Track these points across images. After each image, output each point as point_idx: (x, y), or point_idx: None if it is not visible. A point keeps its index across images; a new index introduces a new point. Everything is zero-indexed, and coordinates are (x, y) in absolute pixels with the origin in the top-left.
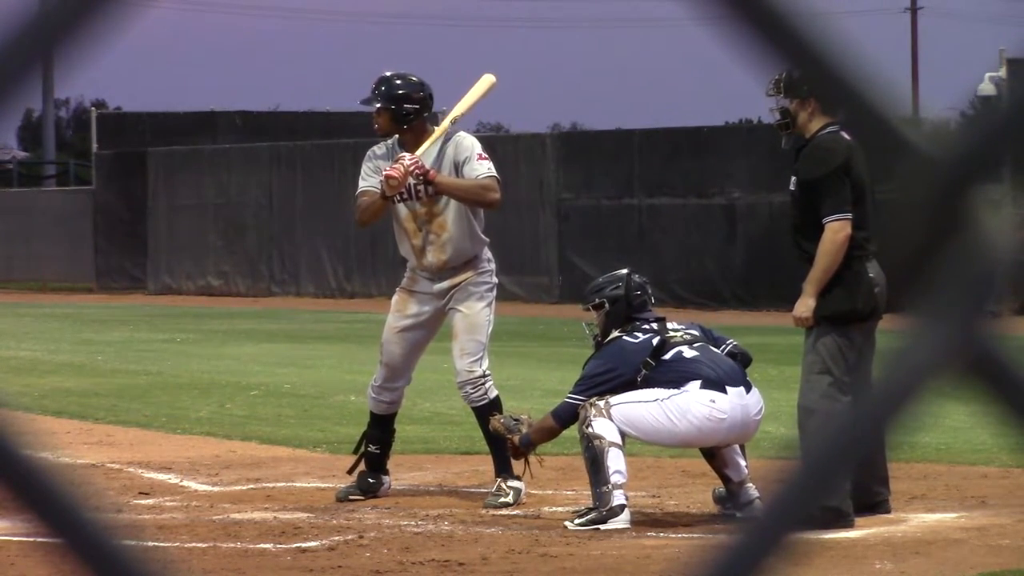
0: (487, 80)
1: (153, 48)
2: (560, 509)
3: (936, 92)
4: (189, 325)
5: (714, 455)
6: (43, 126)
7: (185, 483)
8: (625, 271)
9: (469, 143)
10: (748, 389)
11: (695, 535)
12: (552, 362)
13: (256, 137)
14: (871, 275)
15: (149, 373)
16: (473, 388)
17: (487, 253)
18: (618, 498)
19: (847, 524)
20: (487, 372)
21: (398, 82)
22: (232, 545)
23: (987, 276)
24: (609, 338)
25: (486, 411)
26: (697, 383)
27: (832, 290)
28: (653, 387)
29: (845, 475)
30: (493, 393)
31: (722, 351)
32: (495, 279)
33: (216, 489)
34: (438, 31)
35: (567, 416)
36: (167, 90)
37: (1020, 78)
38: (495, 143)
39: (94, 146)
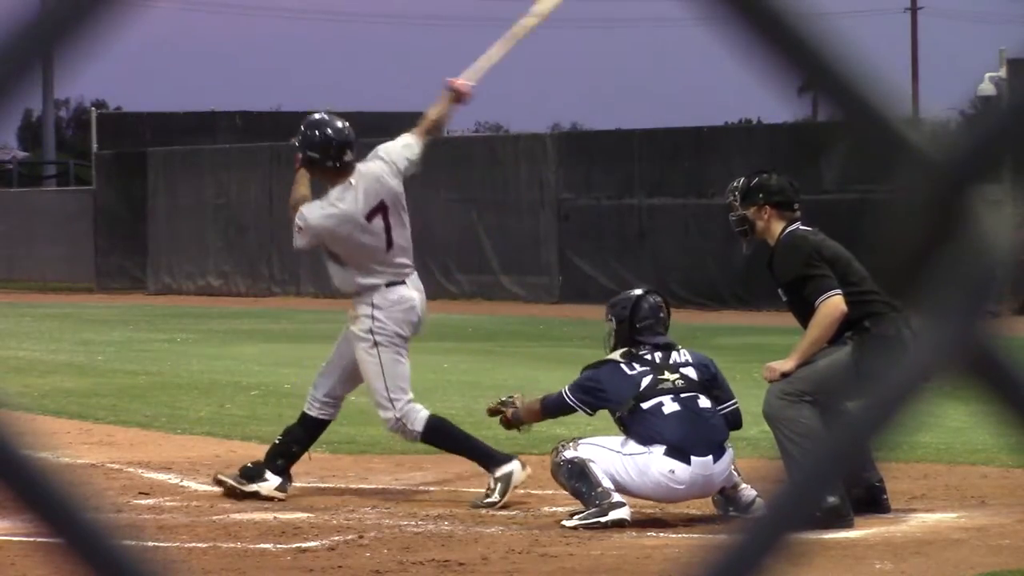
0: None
1: (153, 48)
2: (560, 509)
3: (936, 92)
4: (189, 325)
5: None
6: (43, 126)
7: (185, 483)
8: (639, 292)
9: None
10: (718, 458)
11: (695, 535)
12: (552, 362)
13: (256, 137)
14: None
15: (149, 373)
16: (399, 432)
17: (369, 298)
18: (615, 495)
19: (847, 524)
20: (401, 413)
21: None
22: (232, 545)
23: (987, 276)
24: (610, 356)
25: (431, 441)
26: (662, 449)
27: (875, 346)
28: (625, 435)
29: (844, 474)
30: (420, 425)
31: (717, 409)
32: (374, 330)
33: (216, 489)
34: (438, 31)
35: (554, 408)
36: (167, 90)
37: (1020, 78)
38: (495, 143)
39: (94, 146)
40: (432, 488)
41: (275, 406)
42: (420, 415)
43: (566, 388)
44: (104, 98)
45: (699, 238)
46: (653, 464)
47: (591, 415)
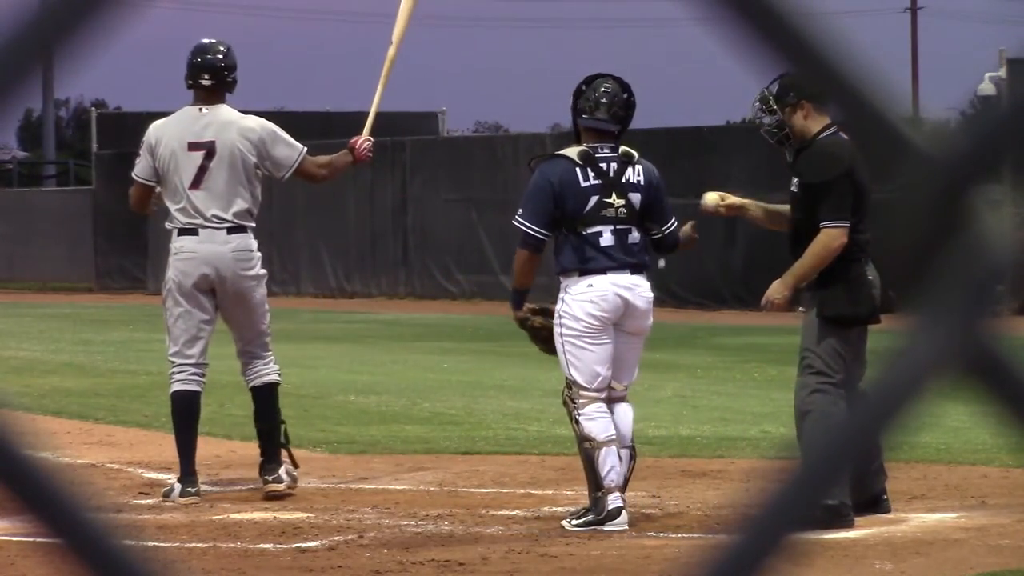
0: None
1: (153, 48)
2: (560, 509)
3: (936, 92)
4: None
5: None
6: (43, 126)
7: None
8: (600, 73)
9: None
10: (635, 273)
11: (695, 535)
12: (552, 362)
13: None
14: (870, 277)
15: (149, 373)
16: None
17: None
18: (613, 502)
19: (847, 524)
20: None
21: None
22: (232, 545)
23: (987, 276)
24: (568, 154)
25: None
26: (578, 273)
27: (836, 292)
28: (560, 254)
29: (844, 474)
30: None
31: (645, 238)
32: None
33: (216, 489)
34: (438, 31)
35: (534, 245)
36: (167, 90)
37: (1020, 78)
38: (495, 143)
39: (94, 146)
40: (432, 488)
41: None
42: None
43: (519, 214)
44: (104, 98)
45: (699, 238)
46: (575, 294)
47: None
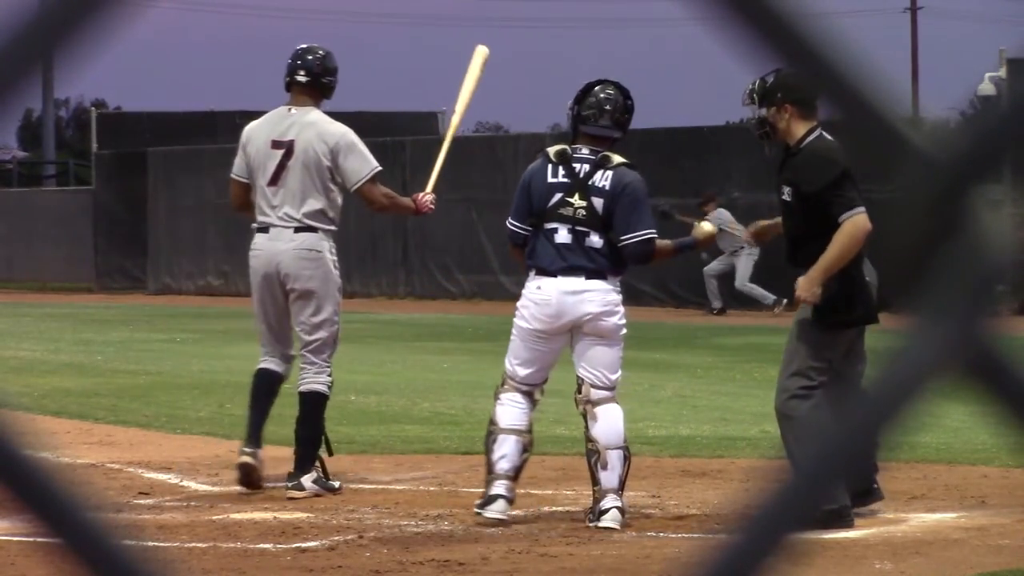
0: (480, 54)
1: (153, 48)
2: (560, 509)
3: (936, 92)
4: (189, 325)
5: (597, 451)
6: (43, 126)
7: (185, 483)
8: (596, 81)
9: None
10: (588, 278)
11: (695, 535)
12: None
13: None
14: (867, 278)
15: (149, 373)
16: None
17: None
18: (495, 487)
19: (847, 524)
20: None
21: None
22: (232, 545)
23: (987, 276)
24: (549, 151)
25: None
26: (533, 272)
27: (831, 295)
28: (527, 248)
29: (844, 474)
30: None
31: (609, 244)
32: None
33: (216, 489)
34: (438, 31)
35: (515, 240)
36: (167, 90)
37: (1020, 78)
38: (495, 143)
39: (94, 146)
40: (432, 488)
41: (275, 406)
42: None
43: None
44: (104, 98)
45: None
46: (527, 293)
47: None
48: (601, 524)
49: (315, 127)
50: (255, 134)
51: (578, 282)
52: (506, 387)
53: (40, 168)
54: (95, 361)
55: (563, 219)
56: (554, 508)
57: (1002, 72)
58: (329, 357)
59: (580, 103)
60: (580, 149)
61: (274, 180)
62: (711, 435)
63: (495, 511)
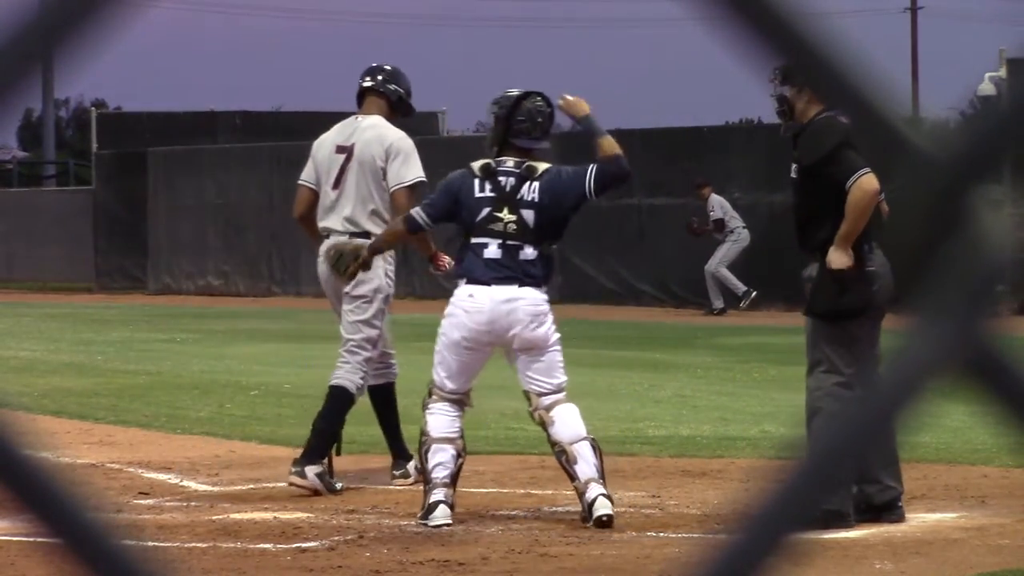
0: None
1: (153, 48)
2: (560, 509)
3: (936, 92)
4: (189, 325)
5: (564, 451)
6: (43, 126)
7: (185, 483)
8: (521, 92)
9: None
10: (521, 286)
11: (695, 535)
12: None
13: (256, 137)
14: (870, 268)
15: (149, 373)
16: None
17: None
18: (434, 495)
19: (846, 525)
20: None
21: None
22: (232, 545)
23: (987, 276)
24: (473, 165)
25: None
26: (464, 281)
27: (823, 286)
28: (456, 260)
29: (845, 474)
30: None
31: (540, 252)
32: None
33: (216, 489)
34: (438, 31)
35: (411, 225)
36: (167, 90)
37: (1020, 78)
38: None
39: (94, 146)
40: None
41: (275, 406)
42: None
43: (417, 208)
44: (104, 98)
45: (699, 238)
46: (456, 302)
47: (433, 226)
48: (596, 514)
49: (375, 130)
50: (324, 141)
51: (511, 290)
52: (434, 398)
53: (40, 168)
54: (95, 361)
55: (493, 234)
56: (554, 508)
57: (1002, 72)
58: (365, 361)
59: (512, 115)
60: (504, 162)
61: (336, 183)
62: (711, 435)
63: (439, 518)
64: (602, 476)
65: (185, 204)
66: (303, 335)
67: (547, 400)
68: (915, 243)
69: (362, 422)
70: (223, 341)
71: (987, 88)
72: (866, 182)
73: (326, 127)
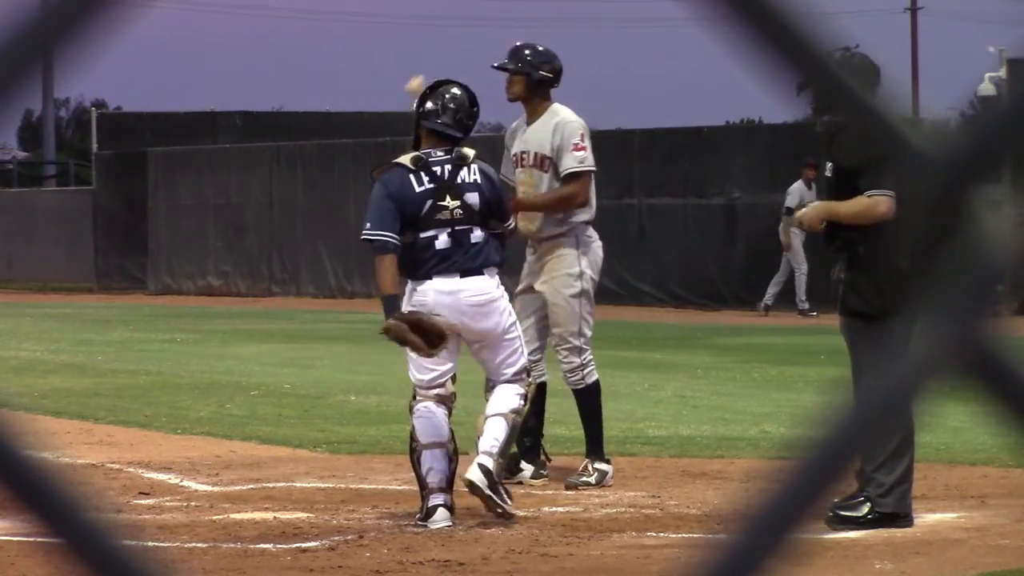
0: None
1: (153, 48)
2: (560, 509)
3: (936, 92)
4: (189, 325)
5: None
6: (43, 126)
7: (185, 483)
8: (445, 80)
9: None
10: (467, 276)
11: (695, 535)
12: (551, 362)
13: (256, 137)
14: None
15: (149, 373)
16: (572, 373)
17: (582, 232)
18: (433, 499)
19: (907, 524)
20: (586, 360)
21: (533, 50)
22: (232, 545)
23: (987, 276)
24: (402, 161)
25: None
26: (430, 288)
27: (861, 282)
28: (400, 263)
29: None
30: (593, 378)
31: (488, 236)
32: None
33: (216, 489)
34: (438, 31)
35: (389, 251)
36: (167, 90)
37: (1020, 78)
38: (495, 143)
39: (94, 146)
40: None
41: (275, 406)
42: (594, 369)
43: (364, 230)
44: (104, 98)
45: (699, 238)
46: (409, 302)
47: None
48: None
49: (550, 123)
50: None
51: (456, 281)
52: (418, 398)
53: (40, 168)
54: (95, 361)
55: (440, 224)
56: (554, 508)
57: (1002, 72)
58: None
59: (424, 100)
60: (434, 152)
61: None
62: (711, 435)
63: (439, 521)
64: (501, 454)
65: (185, 204)
66: (303, 335)
67: (499, 381)
68: (915, 243)
69: (361, 422)
70: (223, 341)
71: (987, 88)
72: (877, 203)
73: (326, 127)
